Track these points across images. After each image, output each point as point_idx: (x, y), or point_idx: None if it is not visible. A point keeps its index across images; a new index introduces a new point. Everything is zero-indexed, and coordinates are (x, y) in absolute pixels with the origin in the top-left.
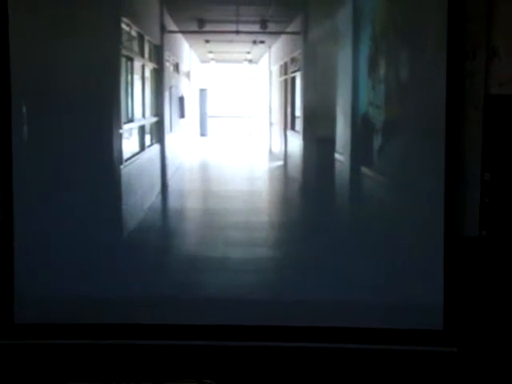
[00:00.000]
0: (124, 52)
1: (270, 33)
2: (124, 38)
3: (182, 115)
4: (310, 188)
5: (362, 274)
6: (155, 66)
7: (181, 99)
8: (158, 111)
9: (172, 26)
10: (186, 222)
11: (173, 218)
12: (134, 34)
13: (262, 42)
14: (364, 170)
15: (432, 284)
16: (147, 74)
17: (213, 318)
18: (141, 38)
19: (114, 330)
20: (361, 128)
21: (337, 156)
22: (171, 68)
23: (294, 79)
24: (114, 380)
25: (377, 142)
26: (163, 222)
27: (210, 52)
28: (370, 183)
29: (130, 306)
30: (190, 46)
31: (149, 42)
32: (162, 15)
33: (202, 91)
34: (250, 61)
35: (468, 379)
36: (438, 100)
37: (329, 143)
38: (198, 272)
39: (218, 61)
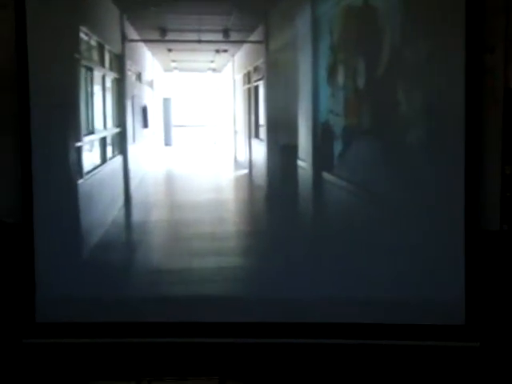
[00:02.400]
0: (83, 62)
1: (232, 42)
2: (83, 47)
3: (145, 125)
4: (280, 195)
5: (379, 271)
6: (116, 76)
7: (144, 109)
8: (120, 122)
9: (133, 35)
10: (151, 234)
11: (137, 230)
12: (93, 43)
13: (225, 50)
14: (372, 165)
15: (453, 279)
16: (108, 83)
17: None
18: (101, 47)
19: (133, 328)
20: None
21: (300, 163)
22: (133, 77)
23: (257, 88)
24: (134, 377)
25: (394, 138)
26: (127, 235)
27: (173, 61)
28: (386, 179)
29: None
30: (153, 55)
31: (109, 51)
32: (122, 24)
33: (166, 100)
34: (214, 70)
35: (490, 374)
36: (457, 94)
37: (292, 150)
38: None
39: (181, 70)
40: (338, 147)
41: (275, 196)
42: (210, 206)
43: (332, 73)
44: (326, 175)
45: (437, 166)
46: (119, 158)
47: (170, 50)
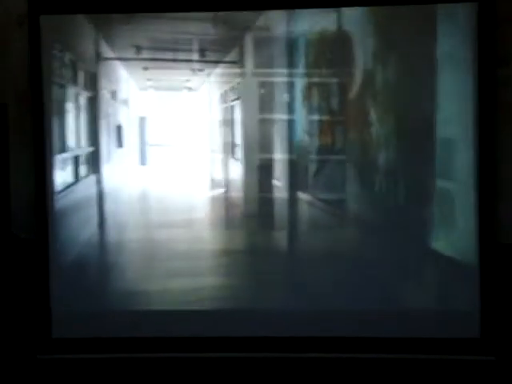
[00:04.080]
0: (56, 79)
1: (208, 61)
2: (55, 64)
3: (120, 144)
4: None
5: (387, 285)
6: (90, 94)
7: (118, 128)
8: (94, 141)
9: (108, 53)
10: (126, 255)
11: (112, 250)
12: (66, 60)
13: (201, 70)
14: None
15: (468, 292)
16: (82, 102)
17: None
18: (74, 65)
19: (150, 343)
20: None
21: (275, 182)
22: (108, 96)
23: (233, 108)
24: None
25: (407, 149)
26: (101, 255)
27: (149, 80)
28: (401, 190)
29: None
30: (128, 73)
31: (83, 69)
32: (97, 42)
33: (142, 119)
34: (190, 89)
35: None
36: (467, 107)
37: (268, 169)
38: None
39: (157, 88)
40: (312, 167)
41: (251, 215)
42: (185, 225)
43: (307, 94)
44: (301, 194)
45: (451, 178)
46: (93, 178)
47: (145, 69)
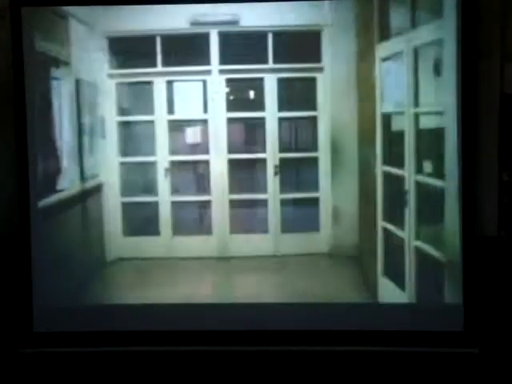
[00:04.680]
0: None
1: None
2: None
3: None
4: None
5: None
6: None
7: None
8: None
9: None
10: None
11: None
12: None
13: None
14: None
15: (451, 285)
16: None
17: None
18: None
19: (132, 337)
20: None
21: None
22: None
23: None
24: None
25: (390, 144)
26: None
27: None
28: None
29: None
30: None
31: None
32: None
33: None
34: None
35: (490, 380)
36: (450, 98)
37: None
38: None
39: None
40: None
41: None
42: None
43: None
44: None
45: (433, 172)
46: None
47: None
